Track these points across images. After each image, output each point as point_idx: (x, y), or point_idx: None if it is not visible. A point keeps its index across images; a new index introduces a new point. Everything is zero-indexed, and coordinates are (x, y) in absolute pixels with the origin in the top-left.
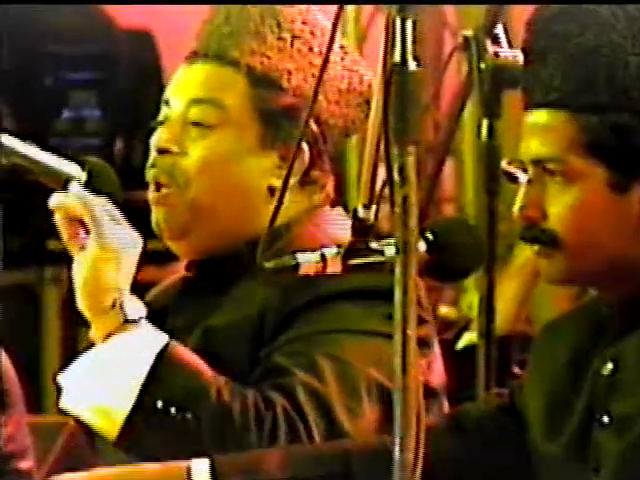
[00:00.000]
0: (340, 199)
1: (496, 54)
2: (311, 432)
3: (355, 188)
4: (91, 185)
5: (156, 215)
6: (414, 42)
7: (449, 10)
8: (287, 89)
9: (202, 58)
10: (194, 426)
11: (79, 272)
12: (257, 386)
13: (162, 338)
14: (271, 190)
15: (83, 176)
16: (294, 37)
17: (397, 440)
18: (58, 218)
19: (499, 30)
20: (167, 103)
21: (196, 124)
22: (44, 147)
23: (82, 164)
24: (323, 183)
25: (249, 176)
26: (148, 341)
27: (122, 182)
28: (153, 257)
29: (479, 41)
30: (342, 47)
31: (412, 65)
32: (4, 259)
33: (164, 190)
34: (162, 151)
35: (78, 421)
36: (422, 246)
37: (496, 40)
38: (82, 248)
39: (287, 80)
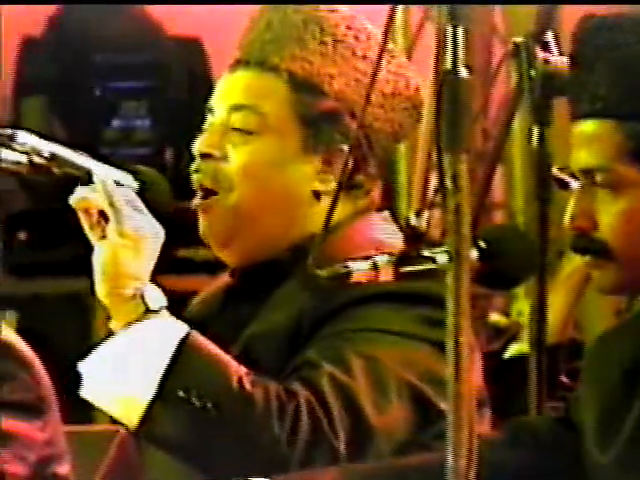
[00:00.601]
0: (389, 205)
1: (546, 61)
2: (334, 424)
3: (404, 195)
4: (143, 194)
5: (202, 223)
6: (465, 49)
7: (498, 17)
8: (328, 93)
9: (244, 65)
10: (215, 415)
11: (99, 260)
12: (285, 379)
13: (183, 328)
14: (315, 194)
15: (135, 185)
16: (337, 41)
17: (450, 448)
18: (79, 211)
19: (549, 37)
20: (211, 111)
21: (237, 130)
22: (94, 156)
23: (134, 174)
24: (368, 188)
25: (292, 181)
26: (169, 330)
27: (173, 191)
28: (205, 266)
29: (529, 48)
30: (389, 51)
31: (463, 72)
32: (56, 268)
33: (210, 197)
34: (203, 155)
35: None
36: (474, 253)
37: (546, 47)
38: (103, 237)
39: (329, 84)
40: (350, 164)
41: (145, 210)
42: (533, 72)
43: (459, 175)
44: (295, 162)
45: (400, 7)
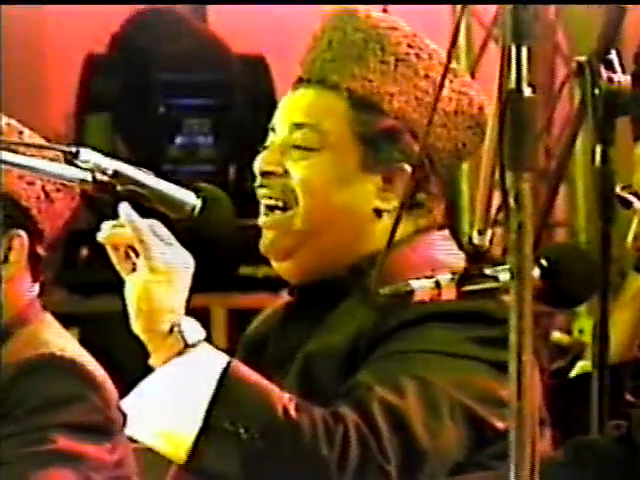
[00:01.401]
0: (450, 223)
1: (609, 79)
2: (384, 447)
3: (466, 213)
4: (205, 212)
5: (265, 237)
6: (528, 68)
7: (561, 36)
8: (388, 112)
9: (305, 84)
10: (263, 444)
11: (132, 295)
12: (336, 401)
13: (223, 358)
14: (377, 212)
15: (198, 203)
16: (398, 60)
17: (512, 467)
18: (107, 246)
19: (612, 55)
20: (273, 130)
21: (297, 147)
22: (158, 174)
23: (197, 191)
24: (430, 207)
25: (353, 198)
26: (209, 362)
27: (236, 209)
28: (266, 284)
29: (592, 67)
30: (452, 70)
31: (527, 91)
32: (118, 286)
33: (274, 213)
34: (265, 173)
35: None
36: (536, 272)
37: (609, 65)
38: (133, 270)
39: (388, 103)
40: (412, 183)
41: (174, 241)
42: (596, 91)
43: (522, 194)
44: (355, 180)
45: (463, 26)
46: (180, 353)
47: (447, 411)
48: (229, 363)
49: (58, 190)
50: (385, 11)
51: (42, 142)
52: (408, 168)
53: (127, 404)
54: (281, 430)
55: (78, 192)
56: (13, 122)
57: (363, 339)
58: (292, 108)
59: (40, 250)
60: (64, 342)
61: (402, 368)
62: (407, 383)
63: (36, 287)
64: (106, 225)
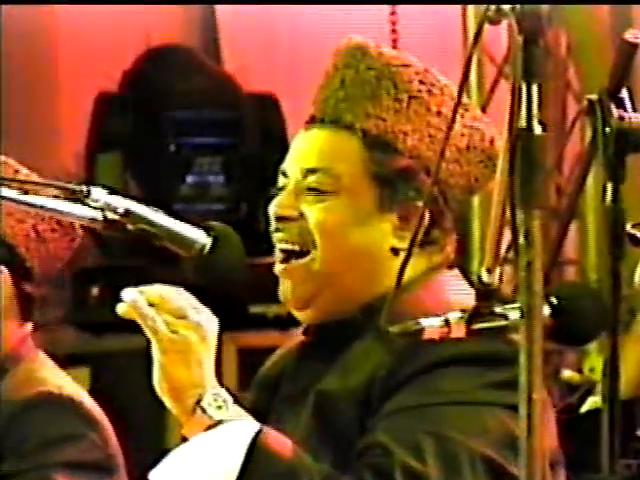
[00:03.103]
0: (459, 261)
1: (620, 117)
2: None
3: (477, 251)
4: (216, 250)
5: (284, 286)
6: (539, 106)
7: (572, 74)
8: (402, 151)
9: (318, 124)
10: None
11: (153, 374)
12: (356, 465)
13: (251, 431)
14: (394, 251)
15: (208, 242)
16: (411, 97)
17: None
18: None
19: (623, 93)
20: (284, 174)
21: (312, 190)
22: (169, 213)
23: (207, 230)
24: (443, 243)
25: (370, 239)
26: (237, 437)
27: (247, 248)
28: (276, 322)
29: (603, 105)
30: (463, 105)
31: (538, 129)
32: (128, 325)
33: (293, 260)
34: (279, 218)
35: None
36: (546, 310)
37: (620, 103)
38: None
39: (402, 141)
40: (426, 220)
41: (190, 312)
42: (607, 129)
43: (532, 231)
44: (372, 220)
45: (474, 63)
46: (209, 427)
47: (467, 465)
48: (257, 435)
49: (53, 230)
50: (394, 14)
51: (51, 181)
52: (425, 207)
53: (156, 475)
54: None
55: (80, 233)
56: (10, 160)
57: (377, 384)
58: (304, 152)
59: (29, 288)
60: (61, 380)
61: (418, 425)
62: (425, 442)
63: (28, 325)
64: (126, 295)
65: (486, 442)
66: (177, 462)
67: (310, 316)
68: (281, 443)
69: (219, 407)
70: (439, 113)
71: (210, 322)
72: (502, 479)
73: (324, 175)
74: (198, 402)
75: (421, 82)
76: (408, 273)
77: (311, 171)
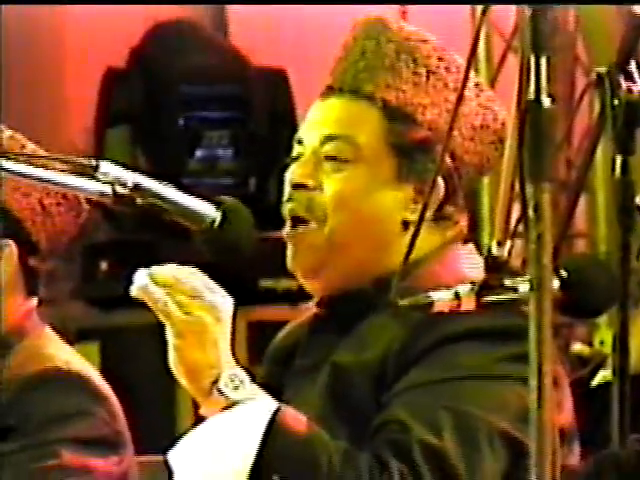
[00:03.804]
0: (472, 236)
1: (629, 90)
2: None
3: (487, 224)
4: (225, 225)
5: (292, 252)
6: (548, 79)
7: (580, 47)
8: (422, 123)
9: (337, 93)
10: None
11: (169, 357)
12: (374, 440)
13: (269, 409)
14: (405, 224)
15: (218, 216)
16: (430, 72)
17: (533, 477)
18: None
19: (632, 66)
20: (300, 142)
21: (330, 158)
22: (178, 187)
23: (217, 204)
24: (457, 219)
25: (384, 210)
26: (255, 415)
27: (256, 221)
28: (286, 296)
29: (612, 78)
30: (477, 85)
31: (546, 102)
32: (135, 299)
33: (301, 227)
34: (297, 186)
35: None
36: (556, 283)
37: (629, 76)
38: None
39: (422, 114)
40: (440, 195)
41: (211, 286)
42: (616, 101)
43: (542, 205)
44: (388, 190)
45: (483, 37)
46: (226, 407)
47: (485, 440)
48: (275, 413)
49: (58, 204)
50: (404, 13)
51: (60, 155)
52: (440, 180)
53: (174, 455)
54: None
55: (86, 208)
56: (17, 135)
57: (394, 356)
58: (323, 119)
59: (34, 262)
60: (68, 356)
61: (435, 401)
62: (443, 418)
63: (33, 300)
64: (138, 278)
65: (504, 416)
66: (194, 443)
67: (318, 286)
68: (299, 421)
69: (236, 387)
70: (456, 89)
71: (225, 302)
72: (520, 453)
73: (343, 142)
74: (215, 383)
75: (439, 58)
76: (422, 247)
77: (330, 138)
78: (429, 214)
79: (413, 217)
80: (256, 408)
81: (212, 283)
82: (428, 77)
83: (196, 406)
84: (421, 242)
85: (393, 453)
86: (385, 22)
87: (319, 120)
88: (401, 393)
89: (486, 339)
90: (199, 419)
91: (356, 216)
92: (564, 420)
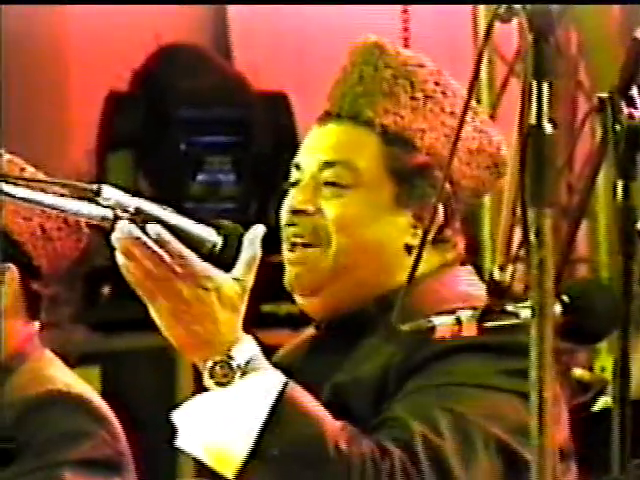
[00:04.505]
0: (471, 259)
1: (631, 115)
2: None
3: (489, 249)
4: (226, 249)
5: (290, 274)
6: (550, 104)
7: (582, 72)
8: (420, 148)
9: (335, 118)
10: (311, 475)
11: (166, 323)
12: (373, 435)
13: (279, 380)
14: (407, 248)
15: (219, 240)
16: (427, 97)
17: None
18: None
19: (634, 91)
20: (298, 167)
21: (330, 184)
22: (179, 211)
23: (218, 228)
24: (455, 242)
25: (385, 235)
26: (266, 384)
27: None
28: (288, 321)
29: (614, 103)
30: (473, 108)
31: (548, 127)
32: (140, 322)
33: (304, 250)
34: (297, 212)
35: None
36: (557, 308)
37: (631, 101)
38: (165, 295)
39: (420, 139)
40: (440, 218)
41: (215, 271)
42: (618, 127)
43: (543, 230)
44: (388, 216)
45: (485, 61)
46: (232, 379)
47: (481, 443)
48: (284, 387)
49: (59, 229)
50: (405, 12)
51: (61, 179)
52: (440, 205)
53: (180, 416)
54: (330, 465)
55: (87, 232)
56: (16, 158)
57: (393, 370)
58: (322, 145)
59: (36, 287)
60: (69, 378)
61: (436, 402)
62: (442, 418)
63: (35, 324)
64: (125, 227)
65: (501, 426)
66: (202, 405)
67: (316, 307)
68: (307, 399)
69: (247, 362)
70: (452, 113)
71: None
72: (515, 463)
73: (342, 168)
74: (223, 356)
75: (436, 83)
76: (421, 268)
77: (329, 164)
78: (430, 238)
79: (415, 241)
80: (267, 379)
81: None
82: (425, 102)
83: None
84: (420, 264)
85: (394, 444)
86: (382, 47)
87: (317, 146)
88: (402, 397)
89: (488, 353)
90: (202, 389)
91: (359, 239)
92: (561, 438)
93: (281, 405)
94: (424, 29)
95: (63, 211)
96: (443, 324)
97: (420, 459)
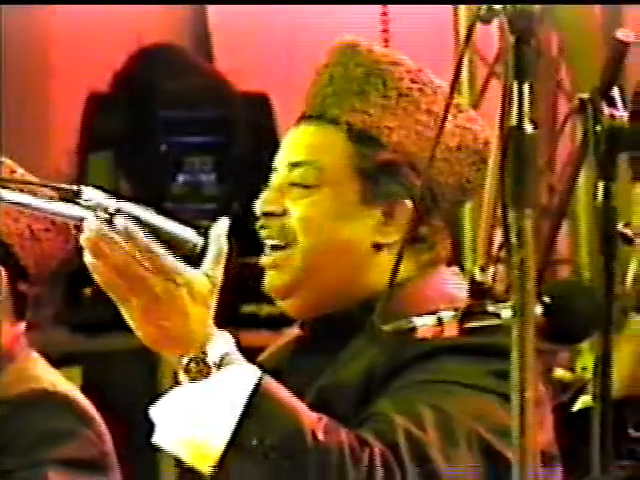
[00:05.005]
0: (455, 260)
1: (612, 116)
2: (406, 476)
3: (469, 250)
4: (206, 250)
5: (267, 277)
6: (530, 105)
7: (563, 73)
8: (387, 145)
9: (306, 119)
10: (289, 465)
11: (138, 321)
12: (356, 429)
13: (254, 374)
14: (376, 246)
15: (200, 241)
16: (400, 95)
17: None
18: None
19: (614, 92)
20: (275, 169)
21: (296, 185)
22: (160, 212)
23: (199, 229)
24: (433, 241)
25: (353, 234)
26: (241, 377)
27: (239, 247)
28: (268, 322)
29: (595, 104)
30: (456, 105)
31: (529, 128)
32: (122, 322)
33: (276, 253)
34: (265, 214)
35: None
36: (539, 309)
37: (611, 102)
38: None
39: (387, 136)
40: (414, 217)
41: (183, 267)
42: (598, 127)
43: (524, 231)
44: (355, 214)
45: (466, 62)
46: (207, 375)
47: (464, 440)
48: (260, 380)
49: (47, 230)
50: (385, 14)
51: (42, 181)
52: (408, 202)
53: (156, 411)
54: (308, 454)
55: (74, 233)
56: (7, 161)
57: (378, 371)
58: (292, 146)
59: (23, 287)
60: (55, 378)
61: (420, 397)
62: (426, 413)
63: (21, 324)
64: (91, 222)
65: (484, 425)
66: (179, 399)
67: (294, 308)
68: (283, 392)
69: (221, 357)
70: (429, 111)
71: (202, 281)
72: (498, 465)
73: (308, 168)
74: (191, 359)
75: (413, 81)
76: (400, 271)
77: (295, 165)
78: (398, 238)
79: (384, 239)
80: (242, 372)
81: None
82: (398, 100)
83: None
84: (393, 264)
85: (375, 437)
86: (355, 46)
87: (287, 147)
88: (386, 394)
89: (471, 354)
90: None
91: (325, 239)
92: (545, 440)
93: (257, 397)
94: (404, 30)
95: (43, 212)
96: (424, 324)
97: (402, 452)
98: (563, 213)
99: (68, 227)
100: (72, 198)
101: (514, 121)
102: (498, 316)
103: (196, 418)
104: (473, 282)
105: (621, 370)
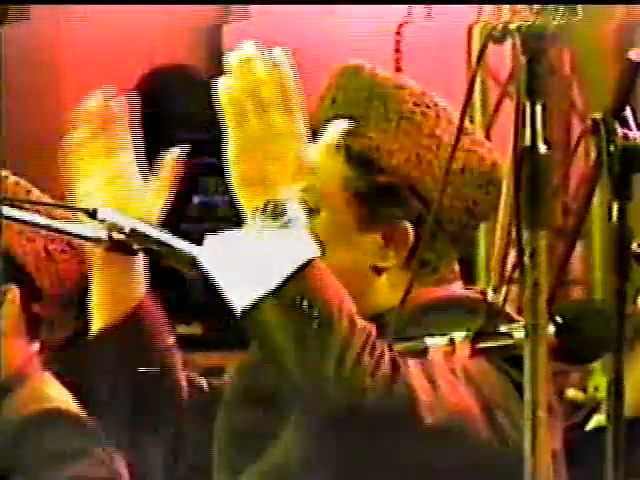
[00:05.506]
0: (465, 281)
1: (625, 136)
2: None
3: (483, 270)
4: None
5: None
6: (544, 125)
7: (576, 93)
8: (386, 168)
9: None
10: (314, 332)
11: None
12: None
13: (314, 248)
14: (376, 270)
15: None
16: (402, 118)
17: None
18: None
19: (627, 112)
20: None
21: None
22: (175, 232)
23: None
24: (436, 265)
25: (352, 257)
26: (303, 242)
27: None
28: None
29: (608, 124)
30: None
31: (542, 148)
32: None
33: None
34: None
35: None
36: (551, 329)
37: (624, 122)
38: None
39: (387, 159)
40: (410, 239)
41: None
42: (612, 148)
43: (537, 251)
44: (354, 238)
45: (478, 83)
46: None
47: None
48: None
49: (63, 251)
50: (398, 33)
51: (58, 202)
52: (408, 225)
53: (209, 245)
54: (338, 331)
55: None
56: (22, 181)
57: None
58: None
59: (37, 308)
60: (67, 397)
61: None
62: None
63: (35, 345)
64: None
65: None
66: (233, 238)
67: None
68: (330, 277)
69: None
70: (431, 135)
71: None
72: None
73: (306, 193)
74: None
75: (415, 104)
76: (395, 293)
77: None
78: (398, 261)
79: (384, 263)
80: (306, 240)
81: None
82: (399, 123)
83: None
84: (391, 288)
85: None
86: (358, 70)
87: None
88: None
89: None
90: None
91: (325, 263)
92: (554, 446)
93: (309, 268)
94: (417, 50)
95: (59, 232)
96: (436, 344)
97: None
98: (577, 233)
99: (84, 248)
100: (87, 218)
101: (528, 141)
102: (510, 336)
103: (248, 258)
104: (486, 302)
105: (634, 390)
